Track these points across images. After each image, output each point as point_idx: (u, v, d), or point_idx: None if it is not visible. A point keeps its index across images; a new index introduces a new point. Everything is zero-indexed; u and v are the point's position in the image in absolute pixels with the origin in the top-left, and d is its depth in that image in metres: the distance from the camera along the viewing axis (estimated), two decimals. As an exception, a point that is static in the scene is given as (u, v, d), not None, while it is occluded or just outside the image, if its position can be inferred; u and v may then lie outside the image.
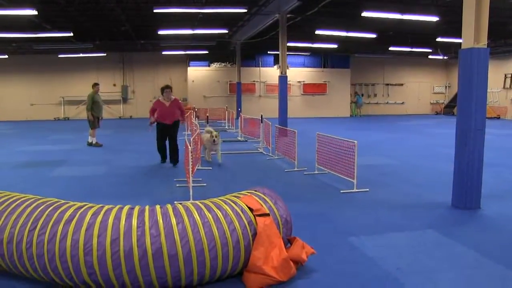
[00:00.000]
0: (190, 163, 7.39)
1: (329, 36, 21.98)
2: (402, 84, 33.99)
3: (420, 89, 34.26)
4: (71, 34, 20.74)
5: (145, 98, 29.26)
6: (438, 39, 23.84)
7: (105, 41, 25.30)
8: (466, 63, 6.68)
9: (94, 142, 14.71)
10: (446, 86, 34.72)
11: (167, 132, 10.50)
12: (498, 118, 28.18)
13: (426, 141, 16.48)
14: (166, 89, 10.52)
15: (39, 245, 3.86)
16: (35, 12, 14.87)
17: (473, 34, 6.52)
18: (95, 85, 14.59)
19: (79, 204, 4.24)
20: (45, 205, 4.20)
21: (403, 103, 34.11)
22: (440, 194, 7.70)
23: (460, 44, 6.82)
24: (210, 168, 10.15)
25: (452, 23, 15.96)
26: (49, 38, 22.32)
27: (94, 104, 14.28)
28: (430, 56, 30.88)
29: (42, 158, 12.21)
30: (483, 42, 6.55)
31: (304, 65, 31.16)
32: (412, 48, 27.12)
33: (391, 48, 27.34)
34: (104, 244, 3.74)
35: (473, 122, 6.64)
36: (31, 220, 4.01)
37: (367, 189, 8.14)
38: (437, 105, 34.33)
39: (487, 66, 6.63)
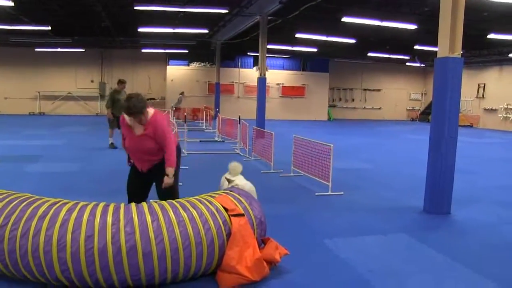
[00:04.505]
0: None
1: (309, 39, 22.14)
2: (379, 90, 34.41)
3: (397, 95, 34.75)
4: (49, 28, 20.48)
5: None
6: (416, 47, 24.29)
7: (84, 37, 25.02)
8: (441, 72, 6.87)
9: (110, 143, 13.60)
10: (422, 93, 35.31)
11: (145, 181, 5.30)
12: (471, 126, 28.73)
13: (401, 146, 16.76)
14: (132, 104, 4.76)
15: (11, 241, 3.83)
16: (11, 4, 14.62)
17: (448, 43, 6.71)
18: (119, 82, 13.28)
19: (53, 200, 4.21)
20: (18, 200, 4.16)
21: (380, 108, 34.53)
22: (413, 198, 7.85)
23: (436, 52, 7.01)
24: (187, 167, 10.13)
25: (429, 32, 16.23)
26: (26, 31, 22.00)
27: (115, 103, 12.96)
28: (407, 63, 31.38)
29: (16, 153, 12.01)
30: (458, 52, 6.74)
31: (283, 68, 31.30)
32: (390, 54, 27.55)
33: (370, 54, 27.73)
34: (78, 241, 3.73)
35: (446, 129, 6.81)
36: (3, 216, 3.96)
37: (342, 192, 8.24)
38: (413, 111, 34.87)
39: (460, 75, 6.81)
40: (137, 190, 5.26)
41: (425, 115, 32.38)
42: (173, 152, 4.98)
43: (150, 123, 4.88)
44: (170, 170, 4.92)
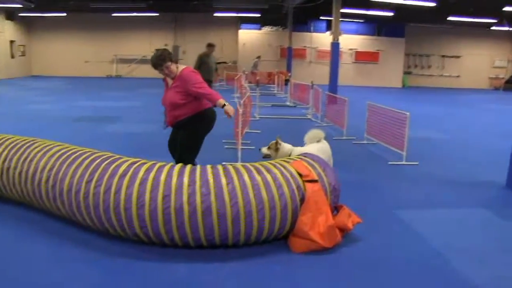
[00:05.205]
0: (240, 125, 7.45)
1: (385, 3, 21.28)
2: (459, 57, 32.63)
3: (479, 62, 32.66)
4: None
5: (196, 58, 29.46)
6: (506, 8, 22.47)
7: (158, 1, 25.40)
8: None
9: None
10: (509, 60, 33.00)
11: (176, 134, 5.67)
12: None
13: (481, 116, 15.94)
14: (152, 57, 5.20)
15: (95, 196, 4.04)
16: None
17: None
18: (209, 45, 12.81)
19: (133, 159, 4.37)
20: (101, 159, 4.36)
21: (458, 76, 32.85)
22: (494, 173, 7.38)
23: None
24: (259, 131, 10.19)
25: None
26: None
27: (202, 66, 12.51)
28: (493, 28, 29.34)
29: (97, 114, 12.59)
30: None
31: (357, 33, 30.43)
32: (473, 18, 25.85)
33: (450, 18, 26.22)
34: (156, 200, 3.85)
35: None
36: (88, 172, 4.18)
37: (417, 163, 7.99)
38: (497, 80, 32.75)
39: None
40: (174, 146, 5.63)
41: (511, 83, 30.46)
42: (212, 93, 5.19)
43: (178, 77, 5.19)
44: (219, 102, 5.11)
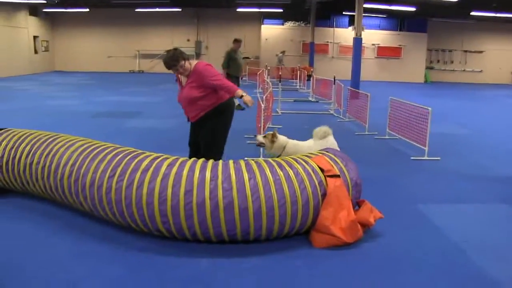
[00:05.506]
0: (262, 120, 7.45)
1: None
2: (481, 52, 32.07)
3: (502, 57, 31.96)
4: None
5: (218, 53, 29.44)
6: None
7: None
8: None
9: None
10: (532, 55, 32.33)
11: (196, 130, 5.63)
12: None
13: (504, 112, 15.68)
14: (165, 58, 5.15)
15: (118, 191, 4.07)
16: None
17: None
18: (235, 41, 12.75)
19: (155, 154, 4.39)
20: (123, 154, 4.39)
21: (481, 71, 32.26)
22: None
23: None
24: (281, 126, 10.18)
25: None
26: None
27: (231, 62, 12.44)
28: (516, 22, 28.83)
29: (118, 109, 12.70)
30: None
31: (379, 28, 30.11)
32: (497, 13, 25.44)
33: (473, 13, 25.80)
34: (178, 195, 3.87)
35: None
36: (110, 167, 4.21)
37: (439, 158, 7.90)
38: (521, 75, 32.21)
39: None
40: (194, 141, 5.67)
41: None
42: (229, 85, 5.20)
43: (193, 73, 5.17)
44: (237, 92, 5.13)
